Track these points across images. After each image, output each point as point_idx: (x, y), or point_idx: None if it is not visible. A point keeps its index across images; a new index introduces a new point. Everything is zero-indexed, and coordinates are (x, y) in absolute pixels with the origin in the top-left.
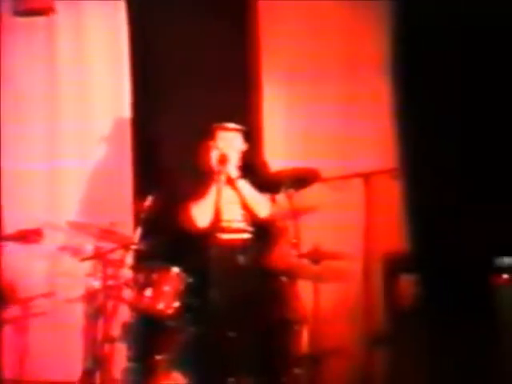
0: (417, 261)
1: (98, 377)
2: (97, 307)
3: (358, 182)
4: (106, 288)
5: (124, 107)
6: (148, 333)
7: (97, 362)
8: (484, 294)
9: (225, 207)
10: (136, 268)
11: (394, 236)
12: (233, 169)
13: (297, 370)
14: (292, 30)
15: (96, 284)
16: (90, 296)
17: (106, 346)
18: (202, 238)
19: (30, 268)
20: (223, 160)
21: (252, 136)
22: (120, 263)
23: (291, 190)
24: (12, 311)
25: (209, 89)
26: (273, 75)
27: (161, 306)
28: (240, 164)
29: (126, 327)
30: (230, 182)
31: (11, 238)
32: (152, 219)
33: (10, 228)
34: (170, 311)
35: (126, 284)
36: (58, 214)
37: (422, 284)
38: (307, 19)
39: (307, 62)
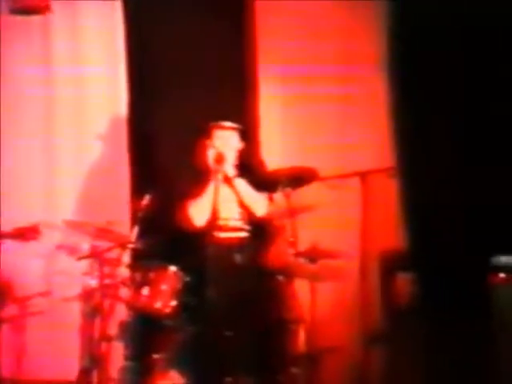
0: (413, 259)
1: (95, 376)
2: (94, 306)
3: (354, 181)
4: (102, 287)
5: (120, 106)
6: (145, 332)
7: (94, 361)
8: (481, 292)
9: (222, 206)
10: (133, 267)
11: (391, 235)
12: (229, 167)
13: (294, 369)
14: (288, 29)
15: (93, 283)
16: (86, 295)
17: (103, 345)
18: (199, 236)
19: (27, 267)
20: (220, 159)
21: (249, 135)
22: (117, 262)
23: (288, 189)
24: (9, 310)
25: (205, 88)
26: (269, 74)
27: (158, 304)
28: (237, 163)
29: (123, 326)
30: (227, 180)
31: (8, 235)
32: (149, 218)
33: (6, 228)
34: (167, 310)
35: (123, 283)
36: (54, 213)
37: (419, 283)
38: (304, 19)
39: (304, 61)
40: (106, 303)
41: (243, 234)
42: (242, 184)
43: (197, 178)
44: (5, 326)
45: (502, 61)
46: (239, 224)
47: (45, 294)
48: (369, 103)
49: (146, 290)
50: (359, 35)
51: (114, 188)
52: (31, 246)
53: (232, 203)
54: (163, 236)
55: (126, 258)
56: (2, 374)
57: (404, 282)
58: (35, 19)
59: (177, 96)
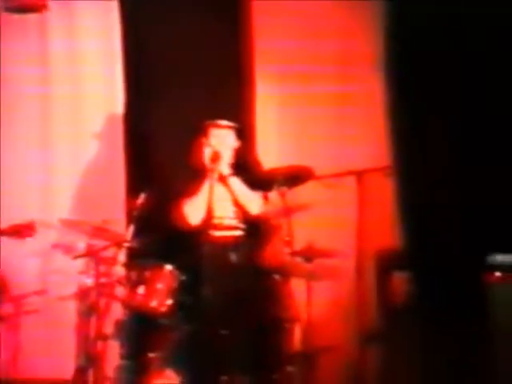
0: (409, 258)
1: (90, 374)
2: (89, 305)
3: (350, 180)
4: (98, 286)
5: (117, 105)
6: (141, 330)
7: (89, 360)
8: (476, 291)
9: (217, 204)
10: (129, 266)
11: (387, 234)
12: (225, 166)
13: (289, 368)
14: (285, 29)
15: (89, 282)
16: (82, 294)
17: (99, 344)
18: (195, 235)
19: (23, 265)
20: (216, 157)
21: (245, 134)
22: (113, 261)
23: (284, 188)
24: (5, 309)
25: (202, 87)
26: (266, 73)
27: (153, 303)
28: (233, 161)
29: (119, 325)
30: (222, 179)
31: (4, 233)
32: (144, 217)
33: (2, 226)
34: (162, 309)
35: (119, 282)
36: (50, 212)
37: (415, 282)
38: (300, 18)
39: (300, 60)
40: (102, 302)
41: (238, 233)
42: (236, 183)
43: (192, 176)
44: (0, 325)
45: (498, 61)
46: (234, 223)
47: (40, 292)
48: (365, 102)
49: (141, 289)
50: (356, 35)
51: (110, 187)
52: (27, 245)
53: (227, 202)
54: (159, 235)
55: (122, 256)
56: None
57: (400, 281)
58: (32, 18)
59: (173, 95)
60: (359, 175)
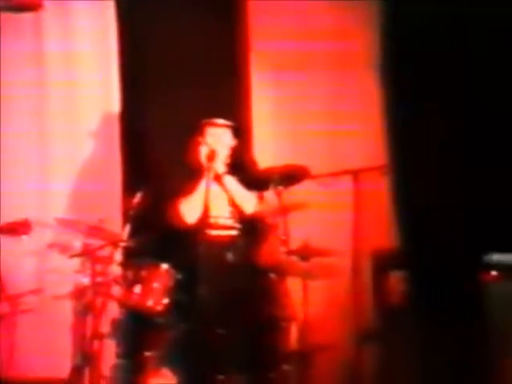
0: (406, 258)
1: (86, 374)
2: (85, 304)
3: (347, 179)
4: (94, 285)
5: (113, 104)
6: (137, 329)
7: (85, 359)
8: (473, 291)
9: (212, 204)
10: (125, 265)
11: (383, 233)
12: (220, 165)
13: (286, 367)
14: (281, 29)
15: (85, 281)
16: (78, 293)
17: (95, 343)
18: (191, 234)
19: (19, 264)
20: (212, 156)
21: (241, 133)
22: (109, 260)
23: (280, 187)
24: (0, 308)
25: (198, 86)
26: (262, 73)
27: (150, 302)
28: (229, 161)
29: (115, 324)
30: (217, 178)
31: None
32: (141, 216)
33: None
34: (158, 308)
35: (115, 281)
36: (46, 211)
37: (411, 281)
38: (296, 18)
39: (296, 60)
40: (98, 301)
41: (234, 232)
42: (231, 182)
43: (189, 175)
44: None
45: (496, 60)
46: (230, 222)
47: (36, 291)
48: (361, 102)
49: (137, 288)
50: (352, 35)
51: (106, 186)
52: (23, 244)
53: (222, 201)
54: (155, 234)
55: (118, 255)
56: None
57: (396, 280)
58: (27, 17)
59: (169, 94)
60: (355, 174)
